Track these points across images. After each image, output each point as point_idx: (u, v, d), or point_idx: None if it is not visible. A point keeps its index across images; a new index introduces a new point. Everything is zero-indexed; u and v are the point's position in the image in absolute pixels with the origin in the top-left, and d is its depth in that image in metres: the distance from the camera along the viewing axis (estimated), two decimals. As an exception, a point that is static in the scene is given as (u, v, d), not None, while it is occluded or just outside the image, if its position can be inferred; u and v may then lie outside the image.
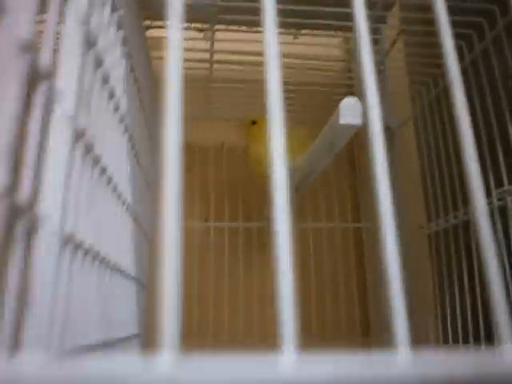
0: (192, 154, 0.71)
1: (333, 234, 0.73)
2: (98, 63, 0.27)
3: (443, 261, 0.58)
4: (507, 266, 0.48)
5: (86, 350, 0.24)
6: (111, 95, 0.31)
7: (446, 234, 0.58)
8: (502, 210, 0.50)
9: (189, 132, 0.72)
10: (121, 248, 0.37)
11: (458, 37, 0.58)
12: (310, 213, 0.73)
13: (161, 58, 0.62)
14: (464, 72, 0.59)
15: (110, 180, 0.31)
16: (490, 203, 0.52)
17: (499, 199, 0.51)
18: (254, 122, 0.61)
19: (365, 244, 0.77)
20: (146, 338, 0.54)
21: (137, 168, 0.46)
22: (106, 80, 0.29)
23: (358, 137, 0.75)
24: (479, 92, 0.54)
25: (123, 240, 0.39)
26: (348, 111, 0.36)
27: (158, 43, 0.58)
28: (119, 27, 0.34)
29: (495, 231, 0.51)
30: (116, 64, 0.33)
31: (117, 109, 0.34)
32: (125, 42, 0.37)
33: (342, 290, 0.71)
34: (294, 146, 0.62)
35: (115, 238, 0.34)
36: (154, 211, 0.59)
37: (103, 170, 0.29)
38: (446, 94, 0.60)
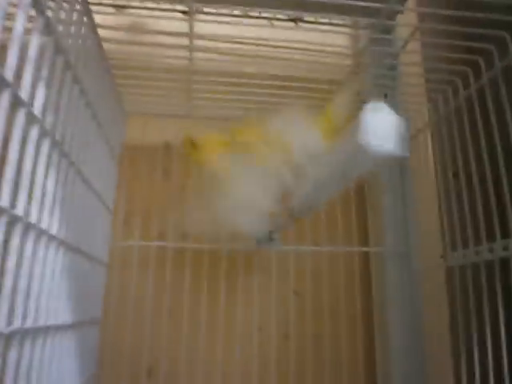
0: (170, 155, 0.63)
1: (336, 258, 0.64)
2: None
3: (469, 298, 0.49)
4: None
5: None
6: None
7: (476, 269, 0.48)
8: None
9: (167, 131, 0.63)
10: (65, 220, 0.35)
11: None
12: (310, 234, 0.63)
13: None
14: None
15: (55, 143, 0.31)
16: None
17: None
18: (192, 143, 0.50)
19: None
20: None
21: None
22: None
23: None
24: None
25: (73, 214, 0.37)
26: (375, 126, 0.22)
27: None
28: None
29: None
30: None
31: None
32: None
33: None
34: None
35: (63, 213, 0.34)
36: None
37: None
38: (469, 102, 0.51)
